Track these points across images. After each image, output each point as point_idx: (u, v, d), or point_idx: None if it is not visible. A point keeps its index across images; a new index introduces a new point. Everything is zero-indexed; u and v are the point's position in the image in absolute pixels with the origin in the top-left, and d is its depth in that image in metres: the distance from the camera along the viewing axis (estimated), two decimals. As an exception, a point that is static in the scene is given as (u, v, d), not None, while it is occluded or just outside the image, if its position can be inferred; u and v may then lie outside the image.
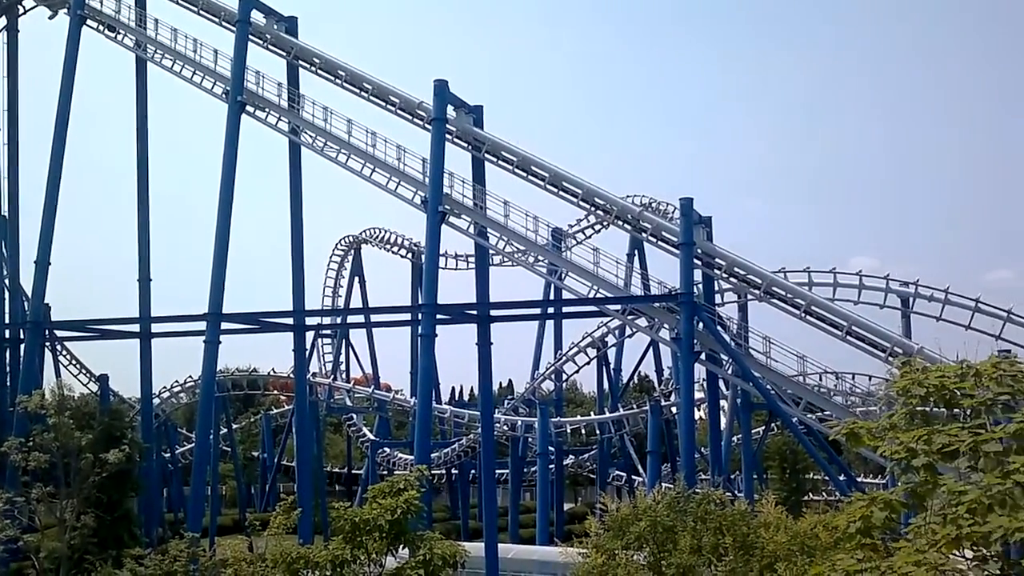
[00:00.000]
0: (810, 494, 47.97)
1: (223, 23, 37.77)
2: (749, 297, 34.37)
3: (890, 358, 27.75)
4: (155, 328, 39.22)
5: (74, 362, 53.08)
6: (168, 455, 56.10)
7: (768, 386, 31.07)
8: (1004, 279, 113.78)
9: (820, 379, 32.95)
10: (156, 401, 49.59)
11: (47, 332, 39.78)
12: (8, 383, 43.00)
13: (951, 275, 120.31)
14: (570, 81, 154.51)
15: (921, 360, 9.70)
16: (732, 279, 33.11)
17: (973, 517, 6.79)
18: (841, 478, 34.24)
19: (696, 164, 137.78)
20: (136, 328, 39.23)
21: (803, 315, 30.79)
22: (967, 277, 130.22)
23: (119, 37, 39.52)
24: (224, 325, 35.19)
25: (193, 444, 48.76)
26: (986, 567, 7.01)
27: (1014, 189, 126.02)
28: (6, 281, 44.57)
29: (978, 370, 8.73)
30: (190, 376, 56.02)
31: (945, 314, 34.15)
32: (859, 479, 42.54)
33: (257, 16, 36.97)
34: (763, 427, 42.55)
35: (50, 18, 42.96)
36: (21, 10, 45.07)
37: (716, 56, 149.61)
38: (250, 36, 36.55)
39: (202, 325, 34.80)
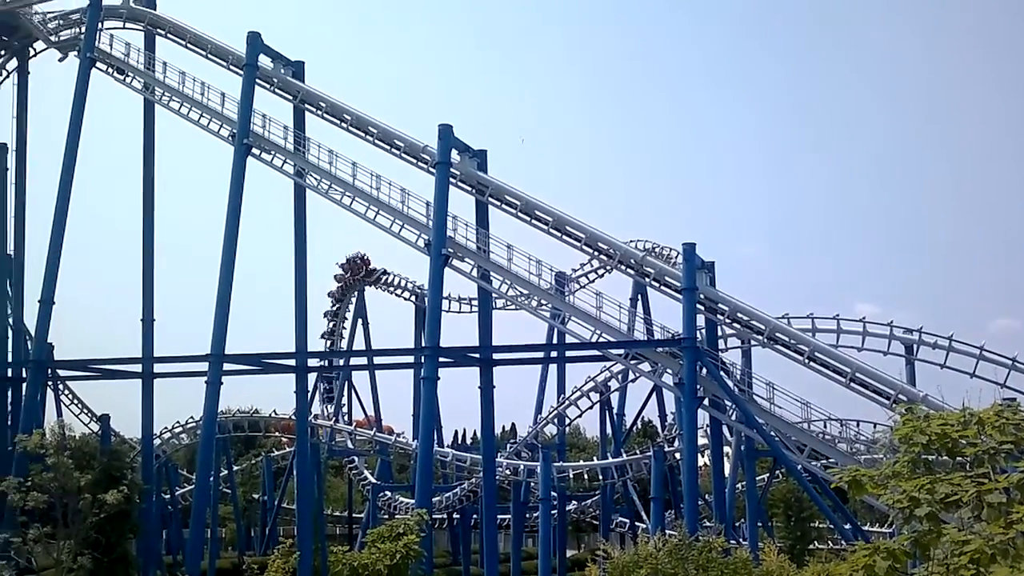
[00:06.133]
0: (815, 542, 47.44)
1: (231, 67, 38.22)
2: (752, 343, 34.29)
3: (894, 405, 27.60)
4: (157, 368, 39.20)
5: (76, 402, 52.91)
6: (168, 496, 55.66)
7: (772, 432, 30.87)
8: (1009, 327, 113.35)
9: (824, 426, 32.66)
10: (157, 442, 49.35)
11: (49, 371, 39.74)
12: (9, 422, 42.93)
13: (955, 322, 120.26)
14: (574, 126, 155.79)
15: (924, 407, 9.65)
16: (735, 324, 33.06)
17: (976, 567, 6.71)
18: (846, 526, 33.84)
19: (697, 209, 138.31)
20: (138, 368, 39.22)
21: (807, 361, 30.69)
22: (971, 325, 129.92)
23: (127, 80, 40.00)
24: (226, 366, 35.17)
25: (193, 486, 48.45)
26: (989, 619, 6.91)
27: (1019, 237, 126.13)
28: (10, 320, 44.67)
29: (981, 418, 8.67)
30: (191, 417, 55.81)
31: (949, 361, 33.99)
32: (865, 527, 42.08)
33: (264, 60, 37.43)
34: (767, 474, 42.21)
35: (60, 60, 43.56)
36: (32, 52, 45.78)
37: (716, 101, 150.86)
38: (257, 80, 36.97)
39: (204, 366, 34.76)
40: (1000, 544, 6.72)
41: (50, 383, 40.65)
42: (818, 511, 40.81)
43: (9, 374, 44.20)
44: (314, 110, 37.09)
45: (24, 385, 39.99)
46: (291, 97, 37.50)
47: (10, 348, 45.00)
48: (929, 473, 8.50)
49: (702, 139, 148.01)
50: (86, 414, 52.63)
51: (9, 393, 44.20)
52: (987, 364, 33.01)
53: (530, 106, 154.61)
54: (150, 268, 40.63)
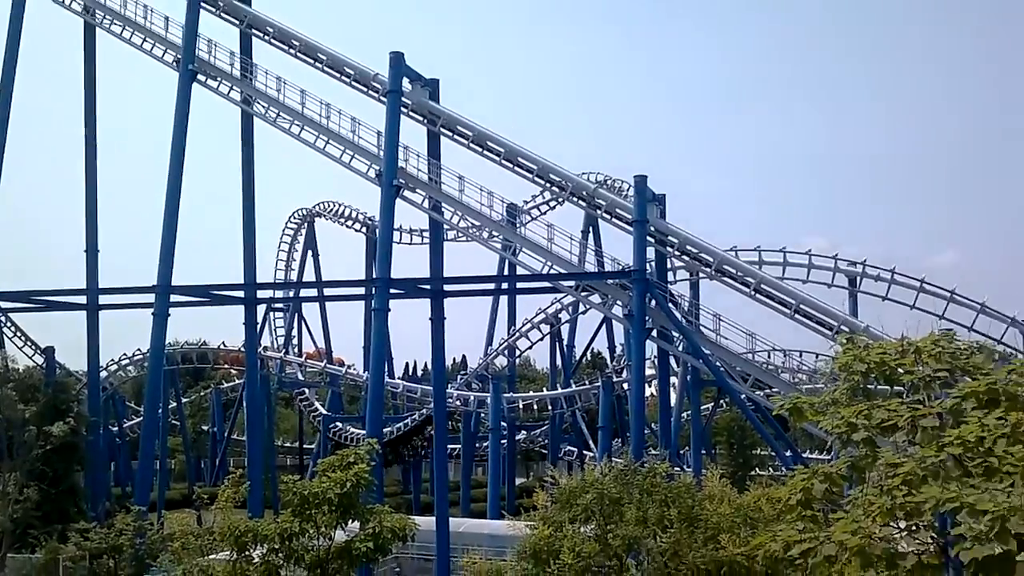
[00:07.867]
0: (757, 469, 48.89)
1: (174, -11, 36.97)
2: (701, 275, 34.70)
3: (836, 336, 28.23)
4: (103, 300, 38.55)
5: (19, 334, 51.98)
6: (116, 429, 55.41)
7: (718, 363, 31.45)
8: (949, 261, 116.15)
9: (768, 356, 33.42)
10: (104, 374, 48.88)
11: (-10, 303, 38.92)
12: (-51, 354, 42.10)
13: (898, 256, 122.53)
14: (528, 58, 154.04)
15: (864, 338, 9.91)
16: (684, 257, 33.35)
17: (908, 488, 6.98)
18: (787, 453, 34.82)
19: (650, 142, 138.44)
20: (83, 300, 38.55)
21: (753, 293, 31.17)
22: (913, 259, 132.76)
23: (67, 2, 38.54)
24: (173, 298, 34.71)
25: (141, 418, 48.22)
26: (918, 536, 7.21)
27: (961, 173, 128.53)
28: (-53, 250, 43.60)
29: (918, 347, 8.94)
30: (139, 349, 55.37)
31: (891, 294, 34.85)
32: (805, 455, 43.37)
33: (209, -18, 36.23)
34: (712, 403, 43.15)
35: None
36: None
37: (672, 37, 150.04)
38: (202, 3, 35.83)
39: (151, 297, 34.28)
40: (931, 466, 6.99)
41: (-9, 315, 39.86)
42: (760, 439, 42.03)
43: (-52, 305, 43.34)
44: (261, 35, 36.06)
45: (-36, 316, 39.20)
46: (237, 22, 36.41)
47: (-51, 279, 44.08)
48: (867, 400, 8.77)
49: (659, 75, 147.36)
50: (30, 346, 51.80)
51: (-51, 325, 43.42)
52: (927, 296, 33.89)
53: (482, 38, 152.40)
54: (93, 197, 39.69)
